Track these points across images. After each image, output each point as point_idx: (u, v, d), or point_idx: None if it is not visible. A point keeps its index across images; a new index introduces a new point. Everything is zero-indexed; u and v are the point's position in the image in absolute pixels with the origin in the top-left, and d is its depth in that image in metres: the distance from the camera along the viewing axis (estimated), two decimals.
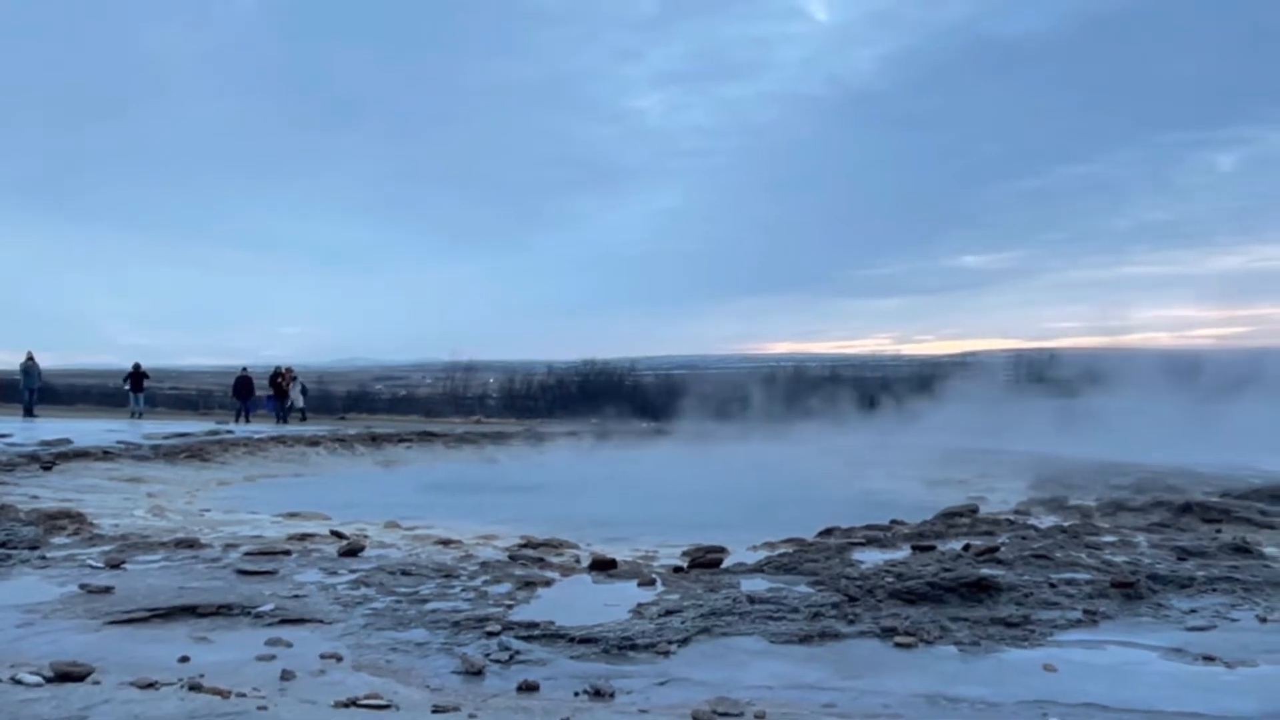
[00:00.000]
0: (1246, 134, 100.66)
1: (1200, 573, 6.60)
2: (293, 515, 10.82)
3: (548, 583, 6.59)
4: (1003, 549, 7.23)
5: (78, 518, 9.07)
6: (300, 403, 28.98)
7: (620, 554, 7.84)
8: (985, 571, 6.23)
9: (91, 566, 6.88)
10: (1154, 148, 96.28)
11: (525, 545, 8.39)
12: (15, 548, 7.47)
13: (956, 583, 5.93)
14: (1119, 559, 7.13)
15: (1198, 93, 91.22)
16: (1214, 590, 6.22)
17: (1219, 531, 8.51)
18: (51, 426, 20.35)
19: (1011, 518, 9.54)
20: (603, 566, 7.12)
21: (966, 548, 7.37)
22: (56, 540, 8.03)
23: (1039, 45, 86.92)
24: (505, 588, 6.34)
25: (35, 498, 11.02)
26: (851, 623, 5.39)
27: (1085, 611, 5.63)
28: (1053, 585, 6.15)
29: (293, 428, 24.39)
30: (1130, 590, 6.05)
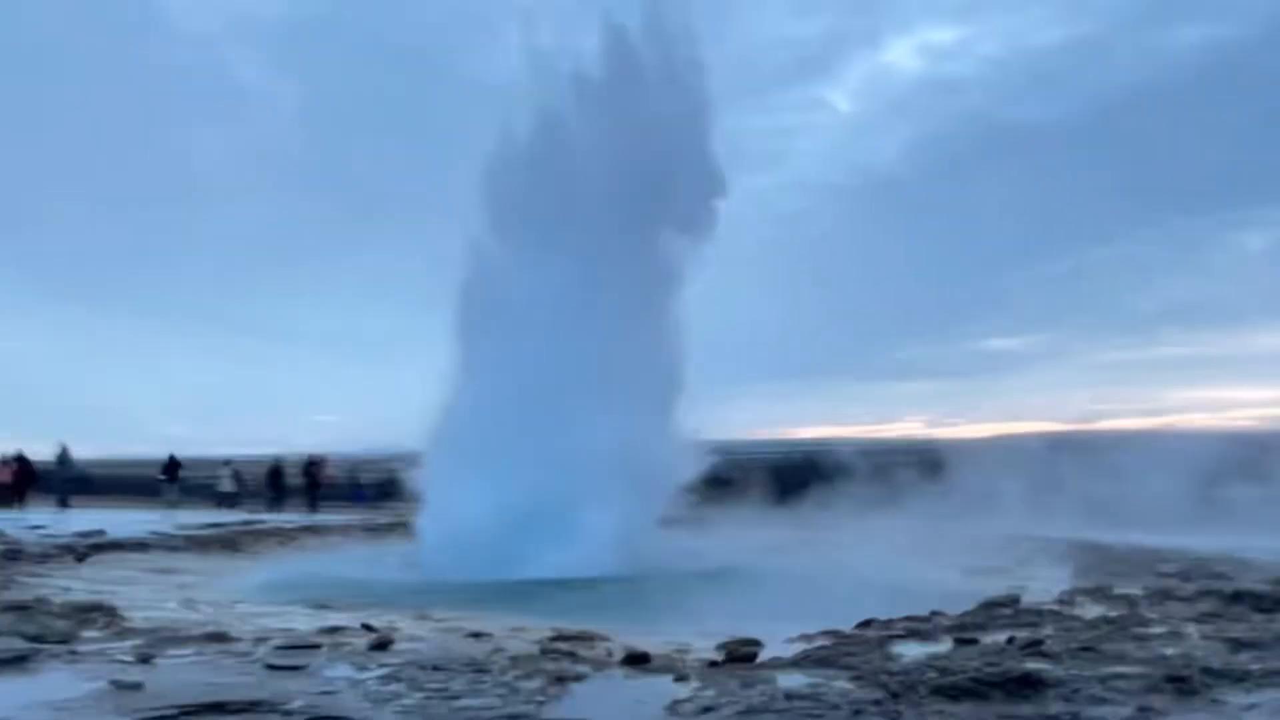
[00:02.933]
0: (1274, 215, 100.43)
1: (1256, 665, 6.36)
2: (322, 606, 10.74)
3: (579, 678, 6.46)
4: (1048, 641, 7.04)
5: (109, 610, 9.05)
6: (229, 488, 28.80)
7: (652, 646, 7.69)
8: (1031, 666, 6.05)
9: (122, 661, 6.83)
10: (1179, 230, 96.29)
11: (556, 638, 8.26)
12: (46, 642, 7.44)
13: (1001, 678, 5.75)
14: (1170, 651, 6.90)
15: (1220, 175, 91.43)
16: (1272, 684, 5.98)
17: (1272, 621, 8.24)
18: (86, 518, 20.49)
19: (1055, 608, 9.30)
20: (635, 661, 6.98)
21: (1010, 640, 7.18)
22: (88, 634, 8.00)
23: (1056, 130, 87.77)
24: (536, 683, 6.22)
25: (68, 590, 11.04)
26: None
27: (1138, 708, 5.42)
28: (1102, 680, 5.94)
29: (324, 516, 24.39)
30: (1184, 685, 5.84)
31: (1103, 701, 5.55)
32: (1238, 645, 7.16)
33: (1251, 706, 5.53)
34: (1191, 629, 8.01)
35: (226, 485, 28.76)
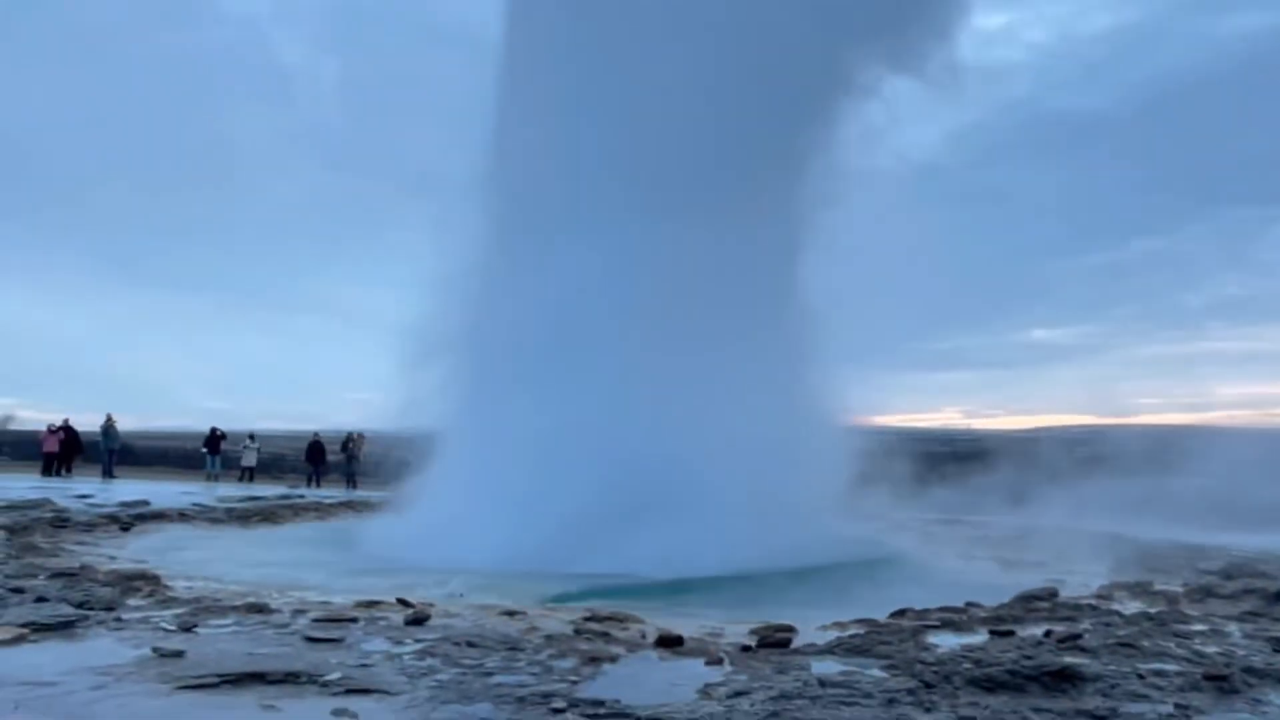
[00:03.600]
0: None
1: None
2: (360, 580, 10.85)
3: (613, 658, 6.49)
4: (1086, 636, 6.96)
5: (153, 579, 9.22)
6: (252, 461, 29.14)
7: (686, 629, 7.70)
8: (1068, 660, 5.99)
9: (165, 630, 6.96)
10: (1227, 222, 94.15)
11: (590, 618, 8.29)
12: (92, 608, 7.61)
13: (1038, 671, 5.70)
14: (1210, 649, 6.81)
15: (1270, 167, 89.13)
16: None
17: None
18: (130, 488, 20.89)
19: (1094, 603, 9.19)
20: (669, 643, 7.00)
21: (1048, 634, 7.11)
22: (132, 602, 8.15)
23: (1103, 121, 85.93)
24: (570, 663, 6.26)
25: (113, 558, 11.26)
26: (928, 710, 5.19)
27: (1176, 705, 5.36)
28: (1140, 676, 5.88)
29: (362, 493, 24.65)
30: (1224, 683, 5.76)
31: (1141, 698, 5.49)
32: None
33: None
34: (1233, 627, 7.89)
35: (250, 459, 29.21)
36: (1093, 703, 5.35)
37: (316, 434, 29.49)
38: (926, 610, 8.74)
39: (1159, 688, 5.69)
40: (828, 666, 6.23)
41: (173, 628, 7.02)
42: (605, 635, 7.38)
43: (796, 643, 7.18)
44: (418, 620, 7.56)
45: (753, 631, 7.68)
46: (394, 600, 8.74)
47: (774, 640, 7.11)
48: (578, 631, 7.48)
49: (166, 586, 9.03)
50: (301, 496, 21.83)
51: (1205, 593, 10.12)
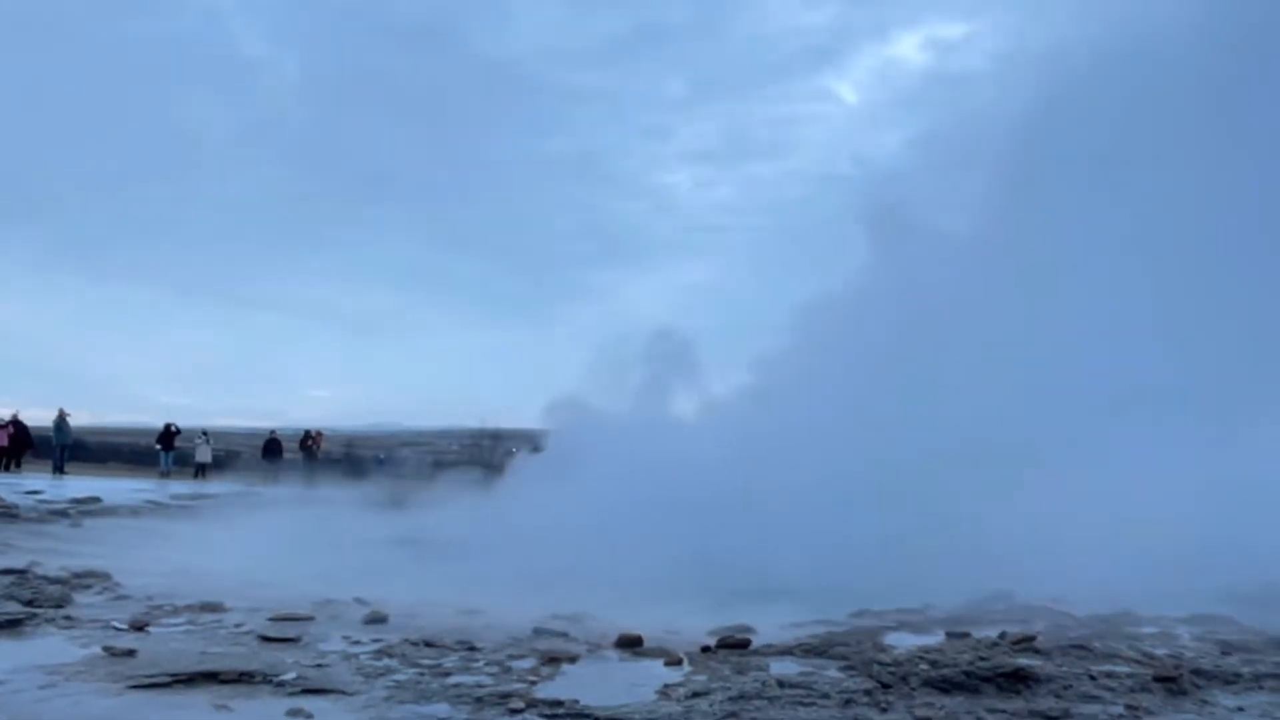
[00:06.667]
0: None
1: (1246, 669, 6.38)
2: (316, 579, 10.74)
3: (572, 659, 6.48)
4: (1040, 638, 7.04)
5: (104, 577, 9.07)
6: (207, 457, 28.88)
7: (646, 629, 7.69)
8: (1022, 661, 6.06)
9: (116, 628, 6.85)
10: None
11: (550, 617, 8.26)
12: (41, 606, 7.47)
13: (993, 672, 5.76)
14: (1160, 651, 6.92)
15: None
16: (1261, 688, 6.00)
17: (1264, 625, 8.23)
18: (81, 485, 20.51)
19: (1048, 604, 9.31)
20: (628, 644, 6.99)
21: (1002, 635, 7.19)
22: (82, 600, 8.02)
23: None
24: (529, 663, 6.24)
25: (63, 555, 11.03)
26: (884, 711, 5.24)
27: (1127, 706, 5.44)
28: (1092, 678, 5.96)
29: (319, 490, 24.39)
30: (1173, 685, 5.85)
31: (1093, 699, 5.57)
32: (1228, 648, 7.18)
33: (1239, 709, 5.55)
34: (1182, 630, 8.02)
35: (204, 454, 28.86)
36: (1046, 704, 5.42)
37: (274, 431, 29.18)
38: (884, 611, 8.82)
39: (1110, 689, 5.77)
40: (786, 667, 6.26)
41: (124, 626, 6.90)
42: (564, 635, 7.37)
43: (756, 643, 7.20)
44: (375, 619, 7.51)
45: (712, 632, 7.70)
46: (351, 599, 8.64)
47: (733, 641, 7.12)
48: (537, 631, 7.46)
49: (118, 584, 8.88)
50: (258, 494, 21.57)
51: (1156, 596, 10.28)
